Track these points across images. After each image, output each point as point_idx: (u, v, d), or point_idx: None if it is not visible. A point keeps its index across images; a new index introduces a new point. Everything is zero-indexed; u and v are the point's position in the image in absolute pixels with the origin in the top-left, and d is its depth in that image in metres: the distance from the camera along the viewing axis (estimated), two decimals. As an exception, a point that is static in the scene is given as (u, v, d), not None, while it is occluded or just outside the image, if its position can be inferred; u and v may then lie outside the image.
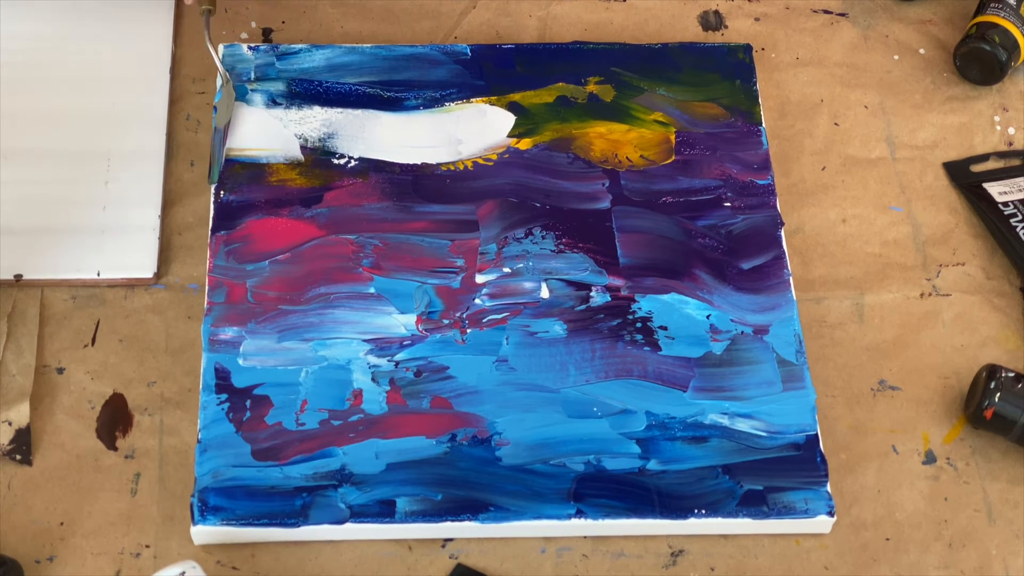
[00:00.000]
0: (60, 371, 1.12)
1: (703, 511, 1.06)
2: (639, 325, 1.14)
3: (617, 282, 1.16)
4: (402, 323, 1.13)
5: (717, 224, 1.20)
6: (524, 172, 1.22)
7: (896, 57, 1.35)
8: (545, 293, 1.16)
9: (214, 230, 1.16)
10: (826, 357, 1.17)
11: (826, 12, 1.37)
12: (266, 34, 1.31)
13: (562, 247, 1.18)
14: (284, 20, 1.32)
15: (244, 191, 1.18)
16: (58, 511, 1.06)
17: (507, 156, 1.22)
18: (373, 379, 1.10)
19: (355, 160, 1.21)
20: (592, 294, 1.16)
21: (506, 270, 1.17)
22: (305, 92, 1.24)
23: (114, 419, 1.10)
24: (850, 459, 1.12)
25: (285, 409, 1.09)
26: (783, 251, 1.19)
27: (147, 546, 1.05)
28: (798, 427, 1.10)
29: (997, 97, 1.33)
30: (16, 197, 1.18)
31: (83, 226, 1.17)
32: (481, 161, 1.22)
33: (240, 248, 1.16)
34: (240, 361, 1.10)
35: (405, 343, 1.12)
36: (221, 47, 1.25)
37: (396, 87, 1.25)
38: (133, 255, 1.16)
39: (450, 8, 1.35)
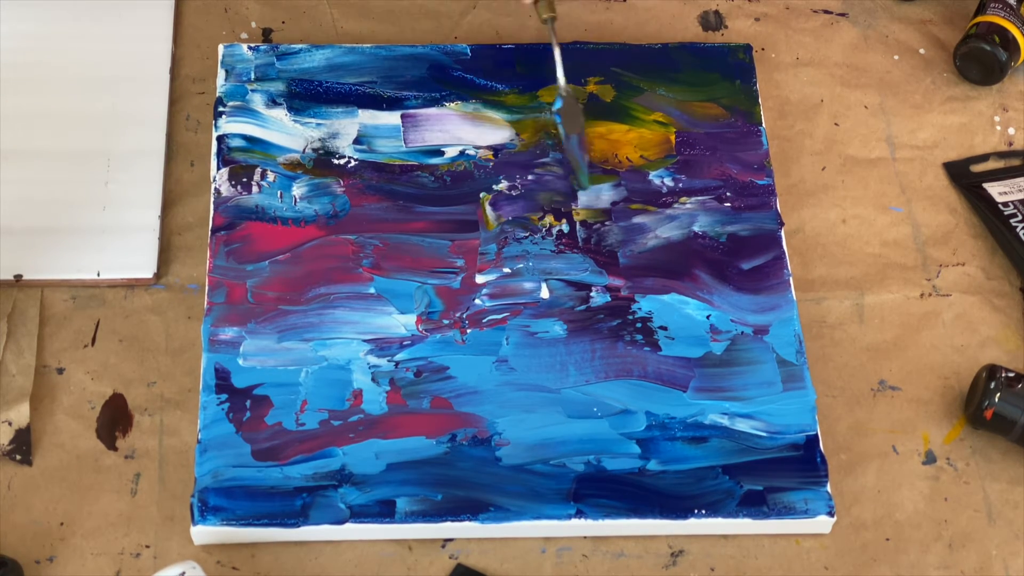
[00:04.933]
0: (60, 371, 1.12)
1: (703, 511, 1.06)
2: (639, 325, 1.14)
3: (617, 282, 1.16)
4: (402, 323, 1.13)
5: (717, 224, 1.20)
6: (524, 172, 1.22)
7: (896, 57, 1.35)
8: (545, 293, 1.16)
9: (214, 230, 1.16)
10: (826, 357, 1.17)
11: (826, 12, 1.37)
12: (266, 34, 1.31)
13: (562, 247, 1.18)
14: (284, 20, 1.32)
15: (244, 191, 1.18)
16: (58, 511, 1.06)
17: (507, 156, 1.22)
18: (373, 379, 1.10)
19: (355, 160, 1.21)
20: (592, 294, 1.16)
21: (506, 270, 1.17)
22: (305, 92, 1.24)
23: (114, 419, 1.10)
24: (850, 459, 1.12)
25: (285, 409, 1.09)
26: (783, 251, 1.19)
27: (147, 546, 1.05)
28: (798, 427, 1.10)
29: (997, 97, 1.33)
30: (16, 197, 1.18)
31: (83, 226, 1.17)
32: (481, 161, 1.22)
33: (240, 248, 1.16)
34: (240, 361, 1.10)
35: (405, 343, 1.12)
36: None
37: (396, 87, 1.25)
38: (133, 255, 1.16)
39: (450, 8, 1.35)
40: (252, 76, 1.25)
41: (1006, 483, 1.12)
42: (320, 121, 1.23)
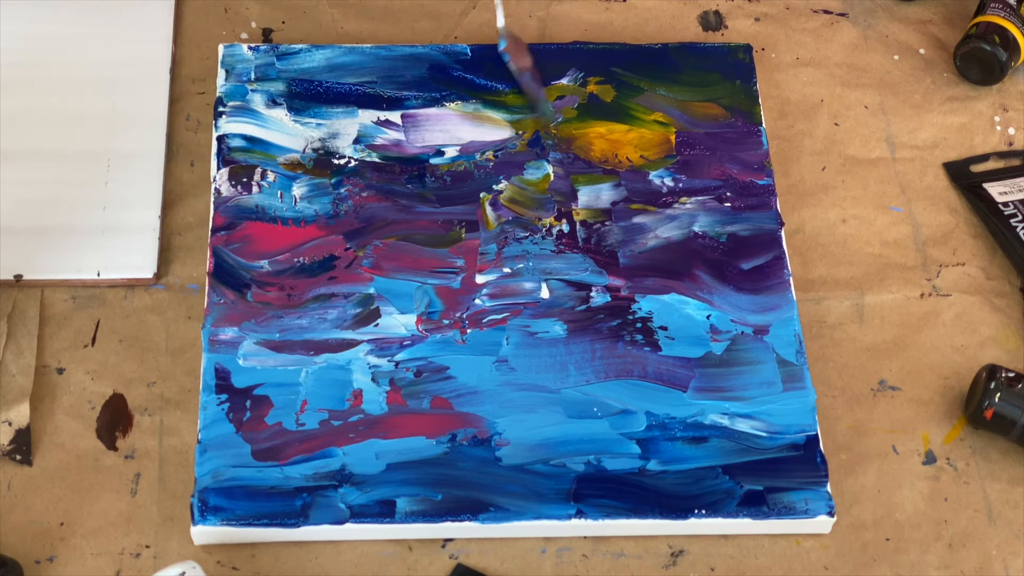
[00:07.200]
0: (60, 371, 1.12)
1: (703, 511, 1.06)
2: (639, 325, 1.14)
3: (617, 282, 1.16)
4: (402, 323, 1.13)
5: (717, 224, 1.20)
6: (523, 172, 1.22)
7: (896, 57, 1.35)
8: (545, 293, 1.16)
9: (214, 230, 1.16)
10: (826, 357, 1.17)
11: (826, 12, 1.37)
12: (266, 34, 1.31)
13: (562, 247, 1.18)
14: (284, 20, 1.32)
15: (244, 191, 1.18)
16: (58, 511, 1.06)
17: (507, 156, 1.22)
18: (373, 379, 1.10)
19: (355, 160, 1.21)
20: (592, 294, 1.16)
21: (506, 270, 1.17)
22: (305, 92, 1.24)
23: (114, 419, 1.10)
24: (850, 459, 1.12)
25: (285, 409, 1.09)
26: (783, 251, 1.19)
27: (147, 546, 1.05)
28: (798, 427, 1.10)
29: (997, 97, 1.33)
30: (16, 197, 1.18)
31: (83, 226, 1.17)
32: (481, 161, 1.22)
33: (240, 248, 1.16)
34: (240, 361, 1.10)
35: (405, 343, 1.12)
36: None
37: (396, 87, 1.25)
38: (133, 255, 1.16)
39: (450, 8, 1.35)
40: (252, 76, 1.25)
41: (1006, 483, 1.12)
42: (320, 121, 1.23)
